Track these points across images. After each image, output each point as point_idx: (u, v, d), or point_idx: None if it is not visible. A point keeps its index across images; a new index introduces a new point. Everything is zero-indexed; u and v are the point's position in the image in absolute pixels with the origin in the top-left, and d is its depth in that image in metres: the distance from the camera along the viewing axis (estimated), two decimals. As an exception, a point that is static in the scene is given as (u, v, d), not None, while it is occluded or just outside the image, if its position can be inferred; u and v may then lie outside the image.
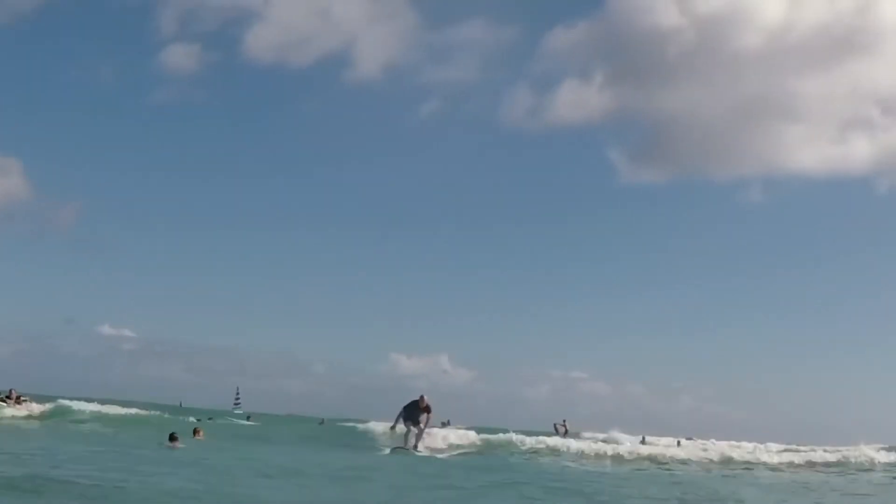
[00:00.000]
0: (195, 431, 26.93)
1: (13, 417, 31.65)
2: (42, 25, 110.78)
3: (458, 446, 27.58)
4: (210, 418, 38.02)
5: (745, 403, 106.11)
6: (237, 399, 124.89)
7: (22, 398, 34.01)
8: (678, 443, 47.65)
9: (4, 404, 32.79)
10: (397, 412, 24.83)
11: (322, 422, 37.47)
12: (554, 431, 52.13)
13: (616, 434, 53.26)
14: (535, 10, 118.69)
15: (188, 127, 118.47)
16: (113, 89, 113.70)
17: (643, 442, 47.11)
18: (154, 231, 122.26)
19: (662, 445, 42.15)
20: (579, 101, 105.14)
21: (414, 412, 24.72)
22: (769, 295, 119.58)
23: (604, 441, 41.74)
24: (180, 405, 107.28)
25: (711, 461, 28.52)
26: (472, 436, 29.88)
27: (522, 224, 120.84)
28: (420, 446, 24.65)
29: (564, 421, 53.72)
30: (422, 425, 24.75)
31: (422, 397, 24.72)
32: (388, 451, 24.51)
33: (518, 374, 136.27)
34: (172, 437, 21.28)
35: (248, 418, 44.74)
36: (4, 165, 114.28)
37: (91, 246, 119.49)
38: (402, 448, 24.40)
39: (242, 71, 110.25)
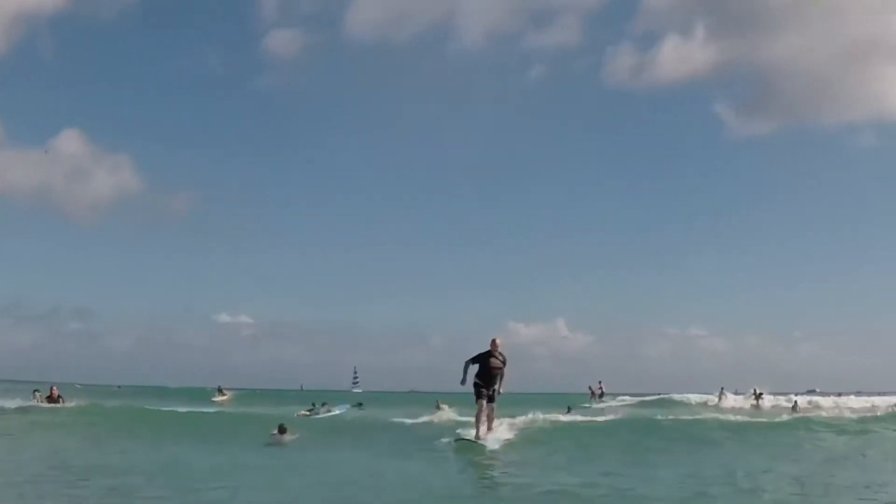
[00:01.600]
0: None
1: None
2: (145, 18, 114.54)
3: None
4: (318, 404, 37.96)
5: (872, 351, 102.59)
6: (355, 378, 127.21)
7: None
8: (794, 405, 46.35)
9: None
10: (465, 366, 17.63)
11: (438, 405, 36.81)
12: (590, 394, 52.65)
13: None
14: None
15: (294, 110, 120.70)
16: (218, 76, 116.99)
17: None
18: (263, 214, 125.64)
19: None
20: (683, 56, 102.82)
21: (487, 369, 17.54)
22: (884, 239, 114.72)
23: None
24: (301, 388, 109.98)
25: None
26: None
27: (631, 183, 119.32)
28: (493, 431, 18.00)
29: (600, 383, 53.89)
30: (498, 388, 17.71)
31: (494, 342, 17.63)
32: (449, 441, 17.91)
33: (636, 335, 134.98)
34: (282, 429, 19.57)
35: (360, 405, 44.88)
36: (115, 162, 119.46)
37: (204, 234, 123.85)
38: (469, 439, 17.70)
39: (345, 51, 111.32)
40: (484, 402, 17.66)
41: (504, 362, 17.68)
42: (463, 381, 17.56)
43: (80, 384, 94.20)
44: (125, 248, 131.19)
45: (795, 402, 47.81)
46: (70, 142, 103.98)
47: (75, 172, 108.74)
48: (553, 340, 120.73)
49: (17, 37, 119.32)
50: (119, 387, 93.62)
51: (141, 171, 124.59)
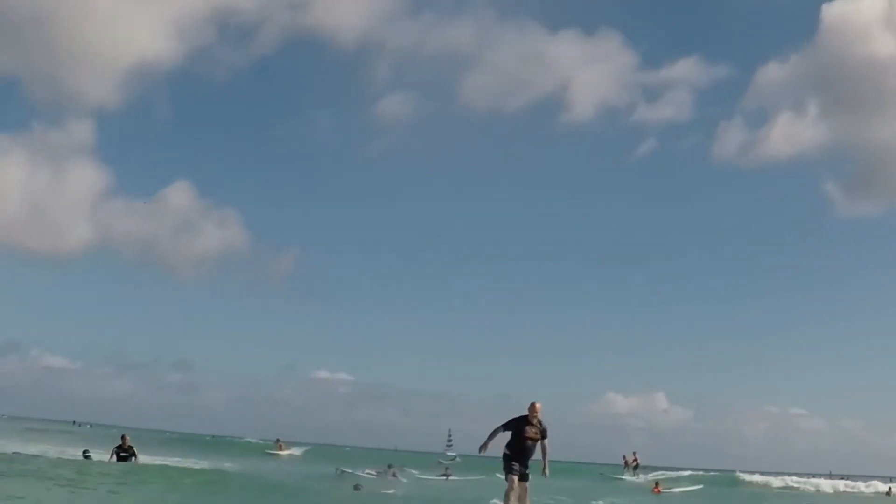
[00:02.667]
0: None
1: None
2: (259, 80, 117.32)
3: None
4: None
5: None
6: (449, 441, 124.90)
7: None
8: (889, 491, 44.85)
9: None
10: (492, 432, 14.57)
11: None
12: (623, 464, 50.25)
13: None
14: (748, 45, 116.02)
15: (403, 175, 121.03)
16: (330, 139, 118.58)
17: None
18: (366, 275, 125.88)
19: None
20: (793, 134, 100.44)
21: (521, 439, 14.39)
22: None
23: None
24: (395, 450, 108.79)
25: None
26: None
27: (740, 259, 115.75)
28: None
29: (634, 453, 50.88)
30: (545, 467, 14.67)
31: (533, 406, 14.46)
32: None
33: (736, 411, 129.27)
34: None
35: (453, 459, 43.53)
36: (224, 217, 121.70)
37: (307, 292, 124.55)
38: None
39: (457, 118, 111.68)
40: (515, 480, 14.28)
41: (543, 433, 14.47)
42: (481, 448, 14.48)
43: (171, 432, 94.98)
44: (228, 301, 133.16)
45: (890, 488, 45.85)
46: (180, 194, 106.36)
47: (184, 225, 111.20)
48: (651, 413, 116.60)
49: (133, 91, 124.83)
50: (212, 437, 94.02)
51: (248, 226, 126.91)
